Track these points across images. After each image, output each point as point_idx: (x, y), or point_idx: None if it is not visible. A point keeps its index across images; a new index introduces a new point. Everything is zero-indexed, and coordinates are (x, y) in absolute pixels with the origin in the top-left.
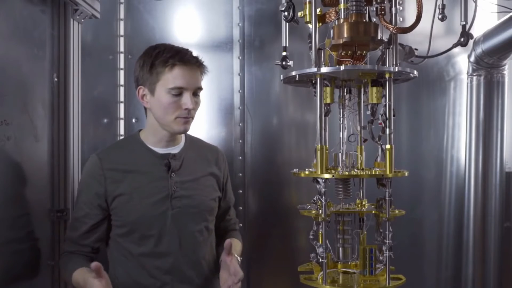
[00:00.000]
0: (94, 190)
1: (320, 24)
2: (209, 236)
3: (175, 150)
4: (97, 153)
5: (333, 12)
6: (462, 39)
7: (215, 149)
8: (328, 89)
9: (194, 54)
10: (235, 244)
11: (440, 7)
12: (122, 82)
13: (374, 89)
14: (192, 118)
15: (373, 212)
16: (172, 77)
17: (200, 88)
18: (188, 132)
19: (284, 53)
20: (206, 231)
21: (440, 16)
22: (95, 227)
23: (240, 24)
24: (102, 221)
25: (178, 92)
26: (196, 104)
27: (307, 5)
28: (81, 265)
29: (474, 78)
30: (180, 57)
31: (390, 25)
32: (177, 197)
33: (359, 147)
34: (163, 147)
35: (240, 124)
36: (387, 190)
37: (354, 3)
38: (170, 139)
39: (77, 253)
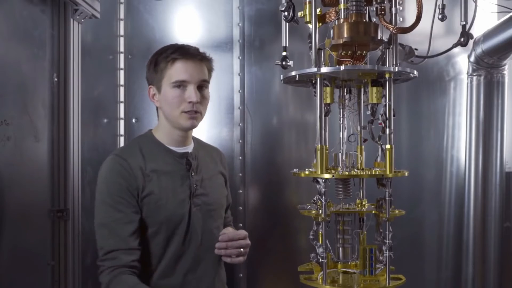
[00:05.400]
0: (126, 186)
1: (320, 24)
2: None
3: (189, 149)
4: (116, 153)
5: (333, 12)
6: (462, 39)
7: (217, 149)
8: (328, 89)
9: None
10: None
11: (440, 7)
12: (122, 82)
13: (374, 89)
14: (201, 113)
15: (373, 212)
16: (175, 71)
17: (206, 81)
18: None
19: (284, 53)
20: (222, 227)
21: (440, 16)
22: (138, 228)
23: (240, 24)
24: (140, 219)
25: (182, 86)
26: (204, 98)
27: (307, 5)
28: None
29: (474, 78)
30: (181, 51)
31: (390, 25)
32: (197, 195)
33: (359, 147)
34: (178, 146)
35: (240, 124)
36: (387, 190)
37: (354, 3)
38: (183, 138)
39: (130, 268)
